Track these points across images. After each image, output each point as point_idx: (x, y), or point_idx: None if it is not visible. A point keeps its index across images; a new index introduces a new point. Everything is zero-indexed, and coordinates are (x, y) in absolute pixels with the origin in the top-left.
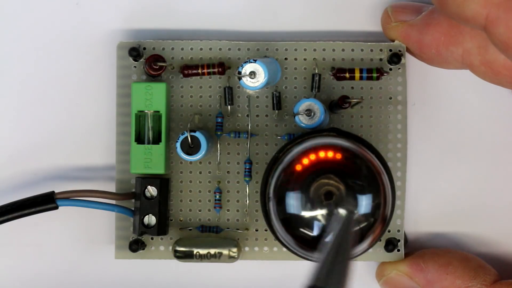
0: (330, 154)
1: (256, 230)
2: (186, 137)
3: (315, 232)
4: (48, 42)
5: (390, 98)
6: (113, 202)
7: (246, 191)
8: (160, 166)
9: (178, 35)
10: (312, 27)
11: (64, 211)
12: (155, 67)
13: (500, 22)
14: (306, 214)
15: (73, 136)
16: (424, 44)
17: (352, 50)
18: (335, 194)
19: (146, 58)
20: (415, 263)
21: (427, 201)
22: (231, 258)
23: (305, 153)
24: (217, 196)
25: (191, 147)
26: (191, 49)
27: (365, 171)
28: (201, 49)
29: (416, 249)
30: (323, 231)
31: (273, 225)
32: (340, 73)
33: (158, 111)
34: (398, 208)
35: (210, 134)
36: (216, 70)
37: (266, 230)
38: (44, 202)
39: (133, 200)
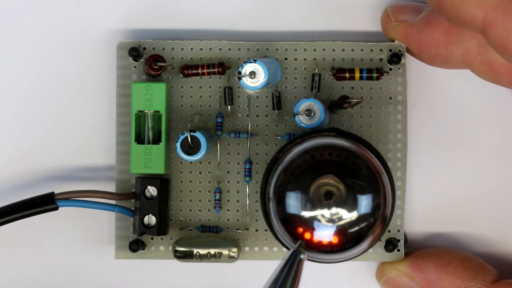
0: (330, 154)
1: (256, 230)
2: (186, 137)
3: (315, 232)
4: (48, 42)
5: (390, 98)
6: (113, 202)
7: (246, 191)
8: (160, 166)
9: (178, 35)
10: (312, 27)
11: (64, 211)
12: (155, 67)
13: (498, 24)
14: (306, 214)
15: (73, 136)
16: (424, 43)
17: (352, 50)
18: (335, 194)
19: (146, 58)
20: (415, 263)
21: (427, 201)
22: (231, 258)
23: (305, 153)
24: (217, 196)
25: (191, 147)
26: (191, 49)
27: (365, 171)
28: (201, 49)
29: (416, 249)
30: None
31: (273, 225)
32: (340, 73)
33: (158, 111)
34: (398, 208)
35: (210, 134)
36: (216, 70)
37: (266, 230)
38: (44, 203)
39: (133, 200)
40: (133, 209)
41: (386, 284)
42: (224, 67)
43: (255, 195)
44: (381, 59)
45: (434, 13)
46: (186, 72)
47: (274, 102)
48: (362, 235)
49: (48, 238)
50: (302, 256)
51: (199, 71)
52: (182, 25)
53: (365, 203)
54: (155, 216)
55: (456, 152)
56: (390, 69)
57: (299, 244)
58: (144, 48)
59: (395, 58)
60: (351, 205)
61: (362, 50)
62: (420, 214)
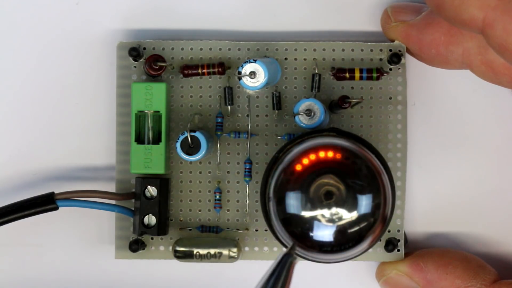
0: (330, 154)
1: (256, 230)
2: (186, 137)
3: (315, 232)
4: (48, 42)
5: (390, 98)
6: (113, 202)
7: (246, 191)
8: (160, 166)
9: (178, 35)
10: (312, 27)
11: (64, 211)
12: (155, 67)
13: (497, 24)
14: (306, 214)
15: (73, 136)
16: (424, 44)
17: (352, 50)
18: (335, 194)
19: (146, 58)
20: (415, 263)
21: (427, 201)
22: (231, 258)
23: (305, 153)
24: (217, 196)
25: (191, 147)
26: (191, 49)
27: (365, 171)
28: (201, 49)
29: (416, 249)
30: None
31: (273, 225)
32: (340, 73)
33: (158, 111)
34: (398, 208)
35: (210, 134)
36: (216, 70)
37: (266, 230)
38: (44, 203)
39: (133, 200)
40: (133, 209)
41: (386, 284)
42: (224, 67)
43: (255, 195)
44: (381, 59)
45: (434, 14)
46: (186, 72)
47: (274, 102)
48: (362, 235)
49: (48, 238)
50: (292, 259)
51: (199, 71)
52: (182, 25)
53: (365, 203)
54: (155, 216)
55: (456, 152)
56: (390, 69)
57: (291, 247)
58: (144, 48)
59: (395, 58)
60: (351, 205)
61: (362, 50)
62: (420, 214)
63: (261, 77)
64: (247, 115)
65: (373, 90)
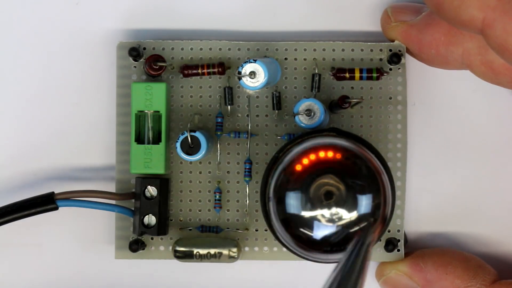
0: (330, 154)
1: (256, 230)
2: (186, 137)
3: (314, 232)
4: (48, 42)
5: (390, 98)
6: (113, 202)
7: (246, 191)
8: (160, 166)
9: (178, 35)
10: (312, 27)
11: (64, 211)
12: (155, 67)
13: (497, 24)
14: (306, 214)
15: (73, 136)
16: (424, 44)
17: (352, 50)
18: (335, 194)
19: (146, 58)
20: (415, 263)
21: (427, 201)
22: (231, 258)
23: (305, 153)
24: (217, 196)
25: (191, 147)
26: (191, 49)
27: (365, 171)
28: (201, 49)
29: (416, 249)
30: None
31: (273, 225)
32: (340, 73)
33: (158, 111)
34: (398, 208)
35: (210, 134)
36: (216, 70)
37: (266, 230)
38: (44, 203)
39: (133, 200)
40: (133, 209)
41: (386, 284)
42: (224, 67)
43: (255, 195)
44: (381, 59)
45: (434, 14)
46: (186, 72)
47: (274, 102)
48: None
49: (48, 238)
50: (368, 242)
51: (199, 71)
52: (182, 25)
53: (365, 203)
54: (155, 216)
55: (456, 152)
56: (390, 69)
57: (365, 227)
58: (144, 48)
59: (395, 58)
60: (351, 205)
61: (362, 50)
62: (420, 214)
63: (261, 77)
64: (247, 115)
65: (373, 90)
